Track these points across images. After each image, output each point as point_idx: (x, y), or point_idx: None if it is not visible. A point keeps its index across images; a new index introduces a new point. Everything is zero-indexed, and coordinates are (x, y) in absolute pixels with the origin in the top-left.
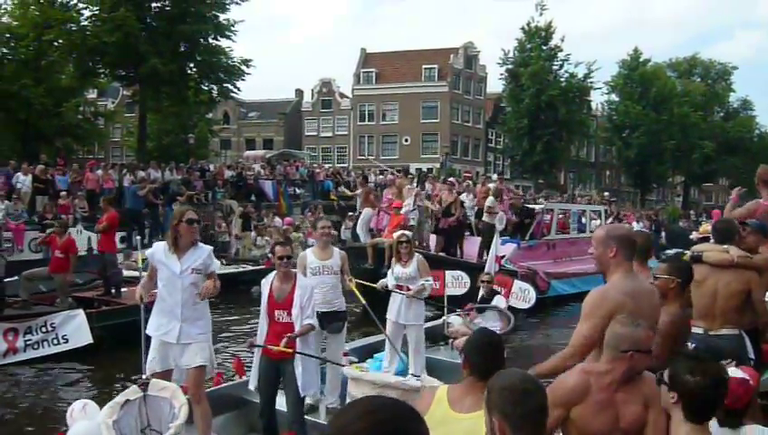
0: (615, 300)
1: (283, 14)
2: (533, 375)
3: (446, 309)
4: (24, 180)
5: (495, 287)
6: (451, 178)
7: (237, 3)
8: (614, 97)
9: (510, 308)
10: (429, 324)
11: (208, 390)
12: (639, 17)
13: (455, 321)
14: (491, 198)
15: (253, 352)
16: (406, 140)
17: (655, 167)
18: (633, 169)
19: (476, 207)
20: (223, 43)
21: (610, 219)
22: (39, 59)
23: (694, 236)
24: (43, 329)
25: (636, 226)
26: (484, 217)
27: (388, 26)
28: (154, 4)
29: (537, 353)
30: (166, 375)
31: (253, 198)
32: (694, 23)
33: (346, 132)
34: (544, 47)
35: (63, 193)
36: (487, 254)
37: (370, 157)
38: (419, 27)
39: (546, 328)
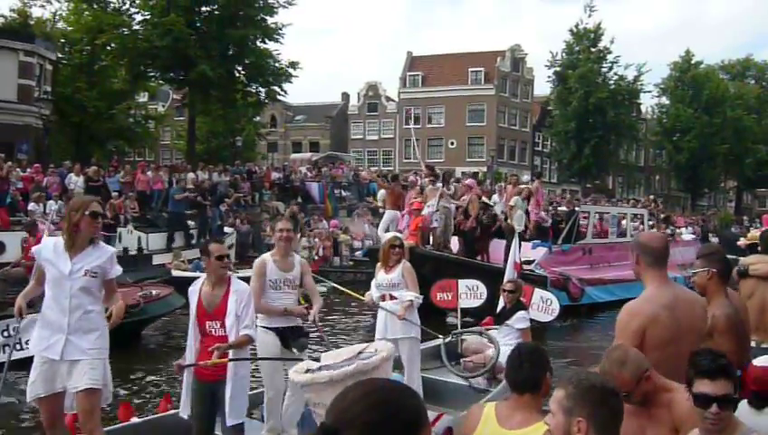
0: (646, 314)
1: (330, 17)
2: None
3: (458, 323)
4: (76, 181)
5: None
6: (469, 180)
7: (285, 6)
8: (665, 100)
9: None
10: (438, 342)
11: (125, 424)
12: (692, 19)
13: (468, 339)
14: (515, 198)
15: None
16: (452, 144)
17: (706, 171)
18: (684, 174)
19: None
20: (270, 46)
21: (652, 223)
22: (92, 63)
23: (741, 242)
24: (5, 333)
25: (684, 231)
26: (509, 220)
27: (435, 31)
28: (204, 9)
29: (563, 363)
30: (54, 401)
31: (299, 200)
32: (748, 25)
33: (392, 135)
34: (593, 49)
35: (115, 194)
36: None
37: (416, 151)
38: (467, 31)
39: (576, 336)
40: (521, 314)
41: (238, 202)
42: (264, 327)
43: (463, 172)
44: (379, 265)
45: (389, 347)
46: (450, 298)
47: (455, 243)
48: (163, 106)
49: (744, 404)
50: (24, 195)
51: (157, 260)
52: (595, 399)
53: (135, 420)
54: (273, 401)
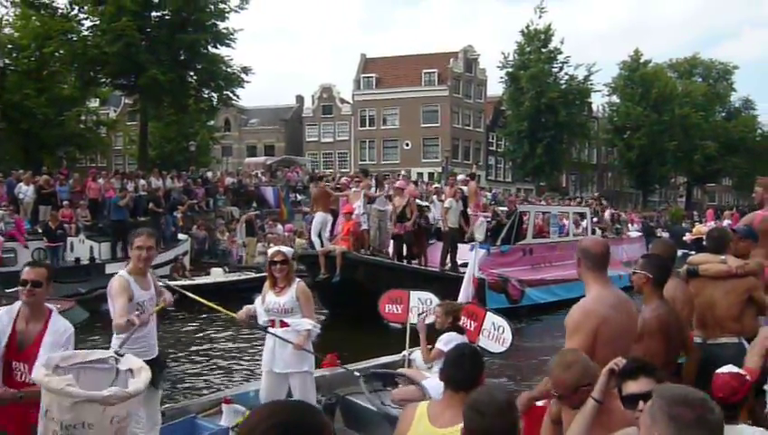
0: (600, 314)
1: (284, 19)
2: (525, 401)
3: (407, 342)
4: (26, 190)
5: (465, 319)
6: (400, 181)
7: (236, 11)
8: (615, 99)
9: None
10: (386, 359)
11: None
12: (641, 19)
13: (417, 358)
14: (449, 200)
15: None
16: (407, 145)
17: (657, 168)
18: (635, 171)
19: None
20: (222, 51)
21: (594, 220)
22: (41, 69)
23: (687, 237)
24: None
25: (631, 228)
26: (441, 223)
27: (391, 32)
28: (154, 14)
29: (509, 369)
30: None
31: (254, 204)
32: (696, 24)
33: (347, 138)
34: (543, 50)
35: (66, 202)
36: (450, 261)
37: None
38: (421, 33)
39: (519, 339)
40: (451, 335)
41: (192, 208)
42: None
43: (418, 173)
44: (266, 284)
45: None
46: (400, 311)
47: (392, 247)
48: (115, 111)
49: None
50: None
51: (109, 269)
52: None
53: None
54: None
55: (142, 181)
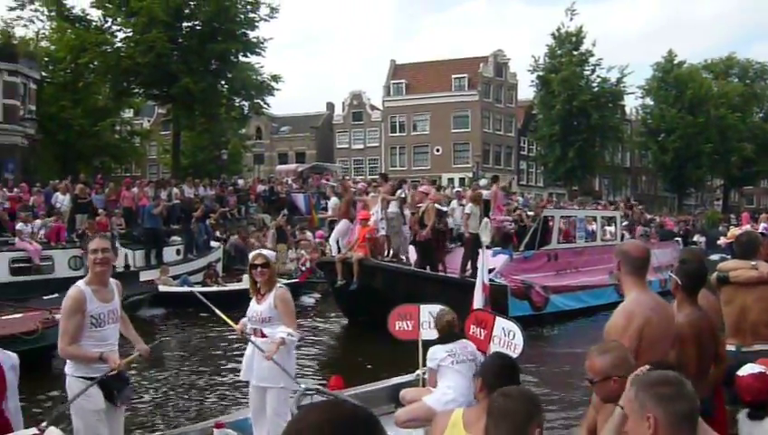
0: (644, 316)
1: (312, 29)
2: None
3: (420, 360)
4: (62, 199)
5: (475, 327)
6: (424, 186)
7: (266, 20)
8: (648, 101)
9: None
10: (398, 380)
11: None
12: (675, 20)
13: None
14: (470, 205)
15: None
16: (437, 151)
17: (692, 171)
18: (670, 174)
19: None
20: (252, 59)
21: (625, 224)
22: (76, 81)
23: (722, 241)
24: None
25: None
26: (463, 228)
27: (421, 38)
28: (185, 24)
29: (536, 377)
30: None
31: (285, 211)
32: (731, 23)
33: (377, 144)
34: (575, 52)
35: (101, 211)
36: (471, 267)
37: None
38: (451, 38)
39: (543, 346)
40: (429, 352)
41: (224, 216)
42: (80, 377)
43: (449, 179)
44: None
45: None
46: (411, 328)
47: (413, 253)
48: (148, 121)
49: (742, 416)
50: (11, 215)
51: (144, 277)
52: (672, 395)
53: None
54: None
55: (175, 190)
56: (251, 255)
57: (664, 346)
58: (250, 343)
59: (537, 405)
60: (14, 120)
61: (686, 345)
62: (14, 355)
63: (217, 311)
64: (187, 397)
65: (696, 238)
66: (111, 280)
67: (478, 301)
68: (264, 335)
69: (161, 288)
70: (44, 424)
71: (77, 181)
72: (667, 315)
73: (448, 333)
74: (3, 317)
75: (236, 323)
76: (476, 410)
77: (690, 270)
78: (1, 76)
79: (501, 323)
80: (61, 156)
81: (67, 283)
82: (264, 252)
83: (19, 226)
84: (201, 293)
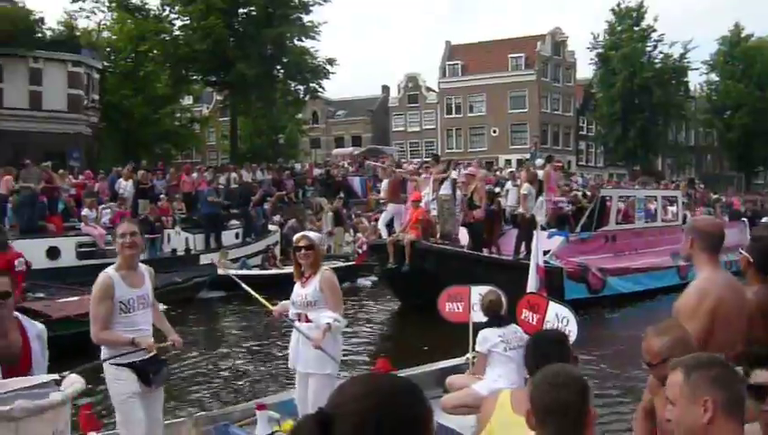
0: (717, 295)
1: (369, 12)
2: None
3: (470, 343)
4: (125, 186)
5: (527, 311)
6: (471, 168)
7: (320, 3)
8: (713, 77)
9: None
10: (447, 363)
11: None
12: None
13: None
14: (526, 185)
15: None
16: (494, 132)
17: (760, 148)
18: (736, 152)
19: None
20: (307, 43)
21: (683, 203)
22: (136, 70)
23: None
24: None
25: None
26: (520, 209)
27: (475, 18)
28: (241, 10)
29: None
30: None
31: (341, 195)
32: None
33: (433, 126)
34: (636, 28)
35: (163, 196)
36: (525, 249)
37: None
38: (507, 17)
39: (599, 329)
40: (480, 335)
41: (282, 200)
42: (115, 363)
43: (506, 160)
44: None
45: (75, 388)
46: (461, 310)
47: (464, 235)
48: (207, 108)
49: None
50: (76, 201)
51: (204, 260)
52: (727, 380)
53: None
54: None
55: (234, 175)
56: (295, 237)
57: (738, 326)
58: (294, 330)
59: (586, 387)
60: (79, 109)
61: (754, 322)
62: (41, 325)
63: (254, 293)
64: (235, 381)
65: (765, 219)
66: (142, 266)
67: (532, 284)
68: (308, 320)
69: (220, 271)
70: (67, 372)
71: (139, 168)
72: (742, 295)
73: (497, 317)
74: (62, 300)
75: (274, 306)
76: (524, 391)
77: (763, 247)
78: (65, 67)
79: (554, 308)
80: (123, 143)
81: None
82: (309, 234)
83: (84, 211)
84: (259, 275)
